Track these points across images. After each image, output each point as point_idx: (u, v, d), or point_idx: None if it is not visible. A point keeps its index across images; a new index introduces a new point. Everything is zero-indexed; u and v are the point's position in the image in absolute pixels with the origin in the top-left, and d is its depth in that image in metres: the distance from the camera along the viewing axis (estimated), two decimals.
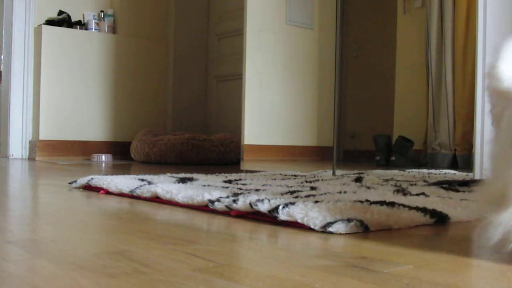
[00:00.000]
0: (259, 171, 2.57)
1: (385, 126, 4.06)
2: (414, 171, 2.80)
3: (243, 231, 1.08)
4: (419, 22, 3.84)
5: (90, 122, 4.57)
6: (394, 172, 2.67)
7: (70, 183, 1.89)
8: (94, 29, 4.61)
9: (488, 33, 2.03)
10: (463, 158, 3.45)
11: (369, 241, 0.98)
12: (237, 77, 4.33)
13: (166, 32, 5.00)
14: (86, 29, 4.59)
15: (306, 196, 1.36)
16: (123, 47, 4.72)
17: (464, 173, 2.62)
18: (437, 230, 1.07)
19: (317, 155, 4.28)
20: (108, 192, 1.65)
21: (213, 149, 4.02)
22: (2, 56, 4.76)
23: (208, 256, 0.81)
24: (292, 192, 1.45)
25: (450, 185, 1.79)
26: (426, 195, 1.46)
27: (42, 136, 4.31)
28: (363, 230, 1.03)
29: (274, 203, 1.15)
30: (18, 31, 4.39)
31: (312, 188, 1.61)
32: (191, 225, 1.14)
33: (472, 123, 2.62)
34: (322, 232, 1.01)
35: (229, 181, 1.84)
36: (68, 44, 4.45)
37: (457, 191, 1.65)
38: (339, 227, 1.01)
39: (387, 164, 3.62)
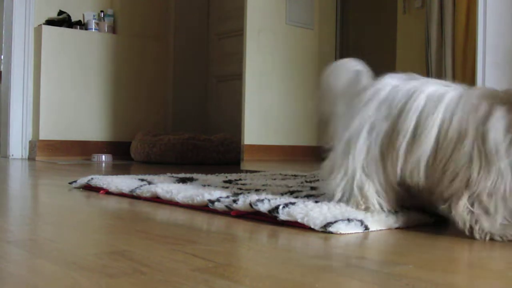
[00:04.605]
0: (259, 171, 2.58)
1: None
2: None
3: (243, 231, 1.08)
4: (419, 22, 3.84)
5: (90, 122, 4.57)
6: None
7: (70, 183, 1.89)
8: (94, 29, 4.61)
9: (488, 33, 2.03)
10: None
11: (369, 241, 0.98)
12: (237, 77, 4.33)
13: (166, 32, 5.00)
14: (86, 29, 4.59)
15: (306, 196, 1.36)
16: (123, 47, 4.72)
17: None
18: (437, 230, 1.07)
19: (317, 155, 4.27)
20: (108, 192, 1.65)
21: (213, 149, 4.02)
22: (2, 56, 4.76)
23: (208, 256, 0.81)
24: (292, 192, 1.45)
25: None
26: None
27: (42, 136, 4.31)
28: (363, 230, 1.03)
29: (274, 203, 1.15)
30: (18, 31, 4.39)
31: (312, 188, 1.61)
32: (191, 225, 1.14)
33: None
34: (322, 232, 1.01)
35: (229, 181, 1.84)
36: (68, 44, 4.45)
37: None
38: (339, 227, 1.01)
39: None
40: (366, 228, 1.03)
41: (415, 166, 1.02)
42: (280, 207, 1.11)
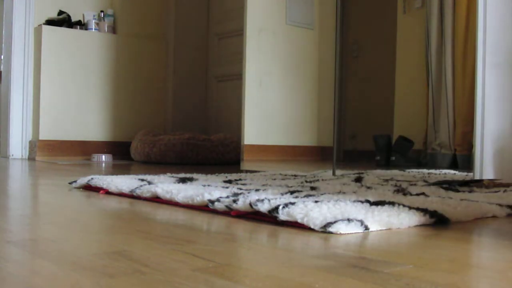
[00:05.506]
0: (259, 171, 2.57)
1: (385, 126, 4.06)
2: (414, 171, 2.80)
3: (243, 231, 1.08)
4: (419, 22, 3.83)
5: (90, 122, 4.57)
6: (394, 172, 2.67)
7: (70, 183, 1.89)
8: (94, 29, 4.61)
9: (488, 33, 2.03)
10: (463, 158, 3.45)
11: (369, 241, 0.98)
12: (237, 77, 4.33)
13: (166, 32, 5.00)
14: (86, 29, 4.59)
15: (306, 196, 1.36)
16: (123, 47, 4.72)
17: (464, 173, 2.62)
18: (437, 230, 1.07)
19: (317, 155, 4.28)
20: (108, 192, 1.65)
21: (213, 149, 4.02)
22: (2, 56, 4.76)
23: (208, 256, 0.81)
24: (292, 192, 1.45)
25: (450, 185, 1.79)
26: (426, 195, 1.46)
27: (42, 136, 4.31)
28: (363, 230, 1.03)
29: (274, 203, 1.15)
30: (18, 31, 4.39)
31: (312, 188, 1.61)
32: (191, 225, 1.14)
33: (472, 123, 2.63)
34: (322, 232, 1.01)
35: (229, 181, 1.84)
36: (68, 44, 4.45)
37: (457, 191, 1.65)
38: (339, 227, 1.01)
39: (387, 164, 3.62)
40: (366, 228, 1.03)
41: None
42: (280, 207, 1.11)
